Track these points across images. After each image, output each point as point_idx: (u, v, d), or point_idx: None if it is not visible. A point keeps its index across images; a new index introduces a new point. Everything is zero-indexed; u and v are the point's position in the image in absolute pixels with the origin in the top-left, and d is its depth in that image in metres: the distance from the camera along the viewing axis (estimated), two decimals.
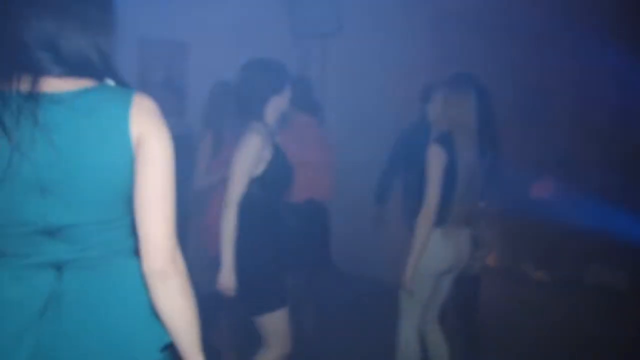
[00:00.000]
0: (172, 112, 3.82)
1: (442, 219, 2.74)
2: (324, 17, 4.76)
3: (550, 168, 4.84)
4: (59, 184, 1.26)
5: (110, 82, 1.32)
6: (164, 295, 1.32)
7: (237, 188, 2.49)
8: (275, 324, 2.56)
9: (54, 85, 1.27)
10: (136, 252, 1.37)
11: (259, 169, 2.52)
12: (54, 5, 1.27)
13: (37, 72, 1.26)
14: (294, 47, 4.78)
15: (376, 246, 4.78)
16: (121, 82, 1.34)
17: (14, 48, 1.26)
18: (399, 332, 2.91)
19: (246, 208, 2.51)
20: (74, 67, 1.28)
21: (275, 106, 2.59)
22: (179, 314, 1.33)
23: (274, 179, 2.56)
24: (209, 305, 3.45)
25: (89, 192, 1.28)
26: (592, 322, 4.21)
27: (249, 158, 2.48)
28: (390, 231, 3.96)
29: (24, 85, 1.24)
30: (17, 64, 1.25)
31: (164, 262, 1.31)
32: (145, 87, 3.67)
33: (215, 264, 3.09)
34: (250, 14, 4.56)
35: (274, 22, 4.79)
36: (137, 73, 4.25)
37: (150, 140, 1.30)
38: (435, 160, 2.70)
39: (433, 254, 2.76)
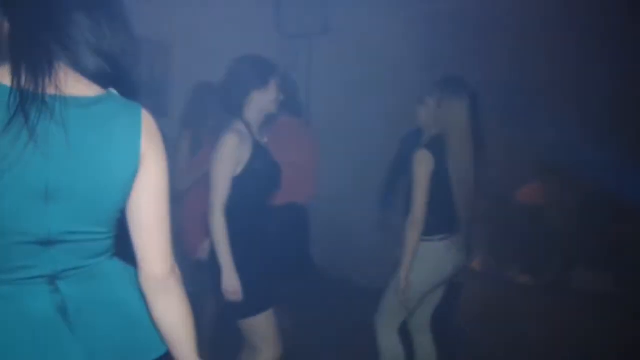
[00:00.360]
0: (155, 113, 3.77)
1: (435, 227, 2.70)
2: (310, 16, 4.72)
3: (537, 171, 4.84)
4: (66, 191, 1.21)
5: (114, 91, 1.29)
6: (164, 307, 1.34)
7: (220, 191, 2.43)
8: (263, 327, 2.51)
9: (75, 88, 1.23)
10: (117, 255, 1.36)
11: (238, 170, 2.46)
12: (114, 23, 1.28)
13: (62, 74, 1.21)
14: (280, 47, 4.73)
15: (364, 251, 4.74)
16: (131, 94, 1.32)
17: (43, 48, 1.20)
18: (379, 333, 2.87)
19: (227, 210, 2.45)
20: (99, 76, 1.26)
21: (257, 103, 2.52)
22: (179, 324, 1.36)
23: (253, 181, 2.50)
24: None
25: (92, 201, 1.24)
26: (577, 325, 4.20)
27: (226, 158, 2.42)
28: (379, 236, 3.93)
29: (50, 85, 1.18)
30: (45, 64, 1.19)
31: (163, 275, 1.33)
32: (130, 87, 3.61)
33: (192, 264, 3.06)
34: (236, 13, 4.51)
35: (260, 21, 4.75)
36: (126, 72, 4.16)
37: (152, 157, 1.30)
38: (422, 165, 2.66)
39: (431, 266, 2.73)
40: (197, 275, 2.75)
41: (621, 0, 3.91)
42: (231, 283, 2.44)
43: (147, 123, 1.31)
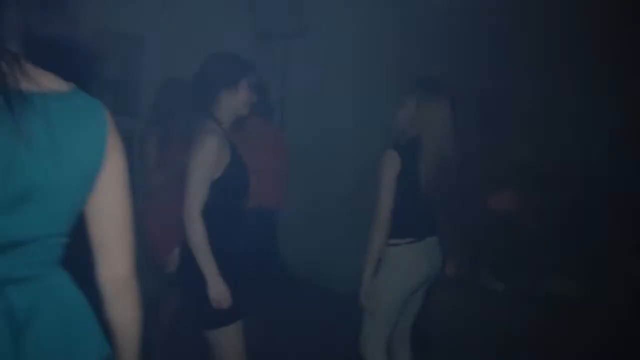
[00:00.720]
0: (126, 111, 3.70)
1: (404, 230, 2.66)
2: (287, 16, 4.67)
3: (510, 177, 4.86)
4: (45, 190, 1.16)
5: (75, 86, 1.25)
6: (123, 307, 1.35)
7: (199, 195, 2.33)
8: (230, 340, 2.43)
9: (45, 82, 1.18)
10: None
11: (217, 174, 2.37)
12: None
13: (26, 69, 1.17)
14: (255, 47, 4.66)
15: (339, 256, 4.69)
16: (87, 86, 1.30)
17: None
18: (365, 354, 2.76)
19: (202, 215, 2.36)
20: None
21: (227, 103, 2.43)
22: (133, 325, 1.37)
23: (232, 184, 2.42)
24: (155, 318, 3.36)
25: (64, 201, 1.21)
26: (549, 332, 4.22)
27: (207, 161, 2.32)
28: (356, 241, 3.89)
29: (22, 78, 1.14)
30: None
31: (128, 275, 1.34)
32: (97, 83, 3.54)
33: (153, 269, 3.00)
34: (210, 12, 4.45)
35: (235, 20, 4.68)
36: (89, 68, 4.08)
37: (117, 153, 1.28)
38: (388, 166, 2.60)
39: (402, 271, 2.68)
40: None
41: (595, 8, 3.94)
42: (219, 289, 2.35)
43: (109, 116, 1.28)
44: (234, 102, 2.45)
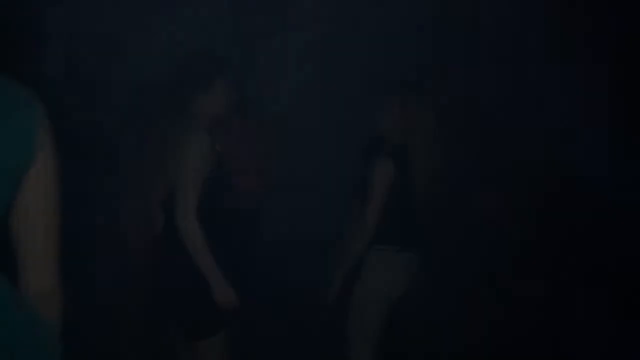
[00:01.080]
0: (102, 111, 3.64)
1: (392, 237, 2.62)
2: (267, 15, 4.65)
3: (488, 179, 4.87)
4: None
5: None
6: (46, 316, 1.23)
7: (193, 195, 2.25)
8: (218, 348, 2.36)
9: None
10: None
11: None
12: None
13: None
14: (237, 45, 4.63)
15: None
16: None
17: None
18: None
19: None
20: None
21: (205, 103, 2.36)
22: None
23: (216, 185, 2.36)
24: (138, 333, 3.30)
25: None
26: (527, 333, 4.22)
27: (199, 159, 2.26)
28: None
29: None
30: None
31: (52, 283, 1.23)
32: (72, 84, 3.47)
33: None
34: (190, 11, 4.40)
35: (215, 18, 4.64)
36: (64, 68, 4.01)
37: (45, 152, 1.17)
38: (382, 175, 2.58)
39: (385, 278, 2.65)
40: None
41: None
42: (225, 292, 2.29)
43: (42, 111, 1.18)
44: (211, 101, 2.38)
